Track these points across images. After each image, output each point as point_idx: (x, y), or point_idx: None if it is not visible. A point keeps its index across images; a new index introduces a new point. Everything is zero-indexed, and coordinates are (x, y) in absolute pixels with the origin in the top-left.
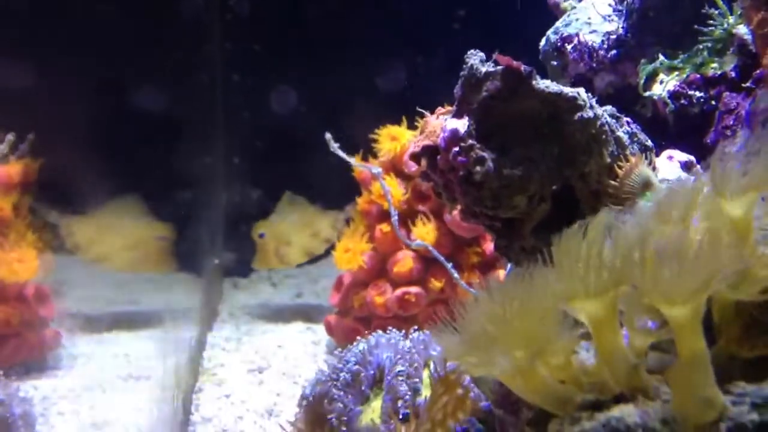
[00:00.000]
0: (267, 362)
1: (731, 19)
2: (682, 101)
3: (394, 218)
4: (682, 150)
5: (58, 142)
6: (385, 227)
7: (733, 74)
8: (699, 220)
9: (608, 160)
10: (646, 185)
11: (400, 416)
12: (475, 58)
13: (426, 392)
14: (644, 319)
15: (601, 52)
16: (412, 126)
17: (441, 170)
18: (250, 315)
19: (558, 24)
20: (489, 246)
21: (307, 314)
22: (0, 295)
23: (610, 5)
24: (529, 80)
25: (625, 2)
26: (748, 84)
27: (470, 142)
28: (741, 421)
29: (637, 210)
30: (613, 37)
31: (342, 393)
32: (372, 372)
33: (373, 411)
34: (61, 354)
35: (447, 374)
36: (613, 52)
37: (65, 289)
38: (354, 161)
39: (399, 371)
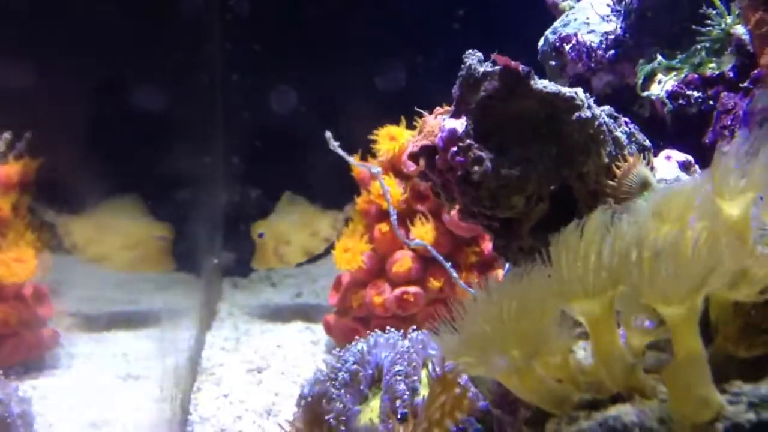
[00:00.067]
0: (266, 362)
1: (729, 19)
2: (680, 101)
3: (393, 218)
4: (680, 150)
5: (57, 142)
6: (383, 227)
7: (730, 74)
8: (696, 220)
9: (606, 160)
10: (644, 185)
11: (399, 416)
12: (473, 58)
13: (424, 392)
14: (641, 318)
15: (600, 52)
16: (411, 126)
17: (439, 170)
18: (249, 315)
19: (556, 24)
20: (488, 246)
21: (307, 314)
22: None
23: (608, 5)
24: (527, 80)
25: (624, 2)
26: (745, 84)
27: (468, 142)
28: (738, 420)
29: (634, 209)
30: (612, 37)
31: (340, 392)
32: (370, 372)
33: (371, 410)
34: (59, 353)
35: (445, 374)
36: (612, 52)
37: (63, 288)
38: (353, 160)
39: (397, 371)
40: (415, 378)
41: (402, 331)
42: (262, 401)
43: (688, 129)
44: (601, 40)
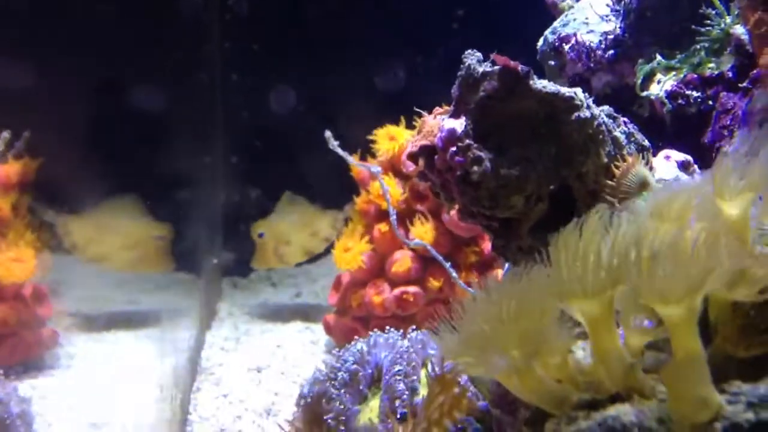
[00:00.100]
0: (265, 362)
1: (728, 19)
2: (680, 101)
3: (393, 218)
4: (680, 150)
5: (57, 142)
6: (383, 227)
7: (730, 74)
8: (695, 220)
9: (605, 160)
10: (643, 185)
11: (398, 416)
12: (472, 58)
13: (424, 391)
14: (640, 318)
15: (599, 52)
16: (410, 126)
17: (438, 170)
18: (249, 314)
19: (556, 24)
20: (487, 245)
21: (306, 314)
22: None
23: (607, 5)
24: (526, 80)
25: (623, 2)
26: (745, 84)
27: (467, 141)
28: (736, 420)
29: (633, 209)
30: (611, 37)
31: (340, 392)
32: (370, 371)
33: (371, 410)
34: (59, 353)
35: (443, 373)
36: (611, 52)
37: (63, 288)
38: (353, 160)
39: (397, 371)
40: (415, 378)
41: (401, 330)
42: (262, 401)
43: (687, 129)
44: (600, 40)
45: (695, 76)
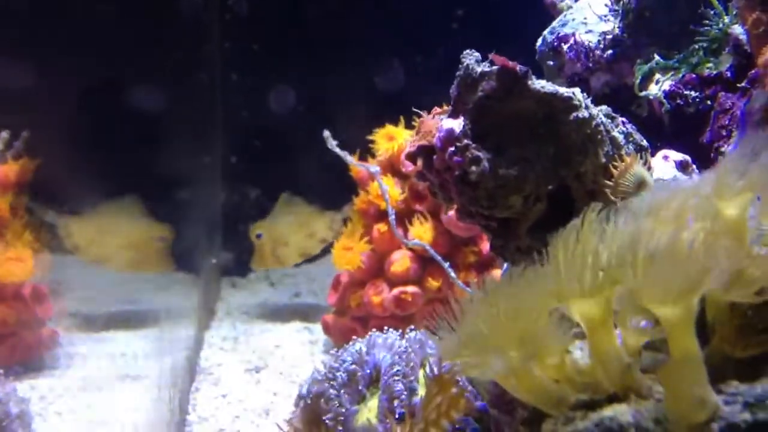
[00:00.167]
0: (264, 362)
1: (726, 19)
2: (678, 101)
3: (392, 218)
4: (678, 150)
5: (56, 142)
6: (382, 227)
7: (728, 74)
8: (693, 220)
9: (603, 160)
10: (641, 185)
11: (396, 416)
12: (470, 58)
13: (422, 392)
14: (638, 318)
15: (598, 52)
16: (409, 126)
17: (437, 170)
18: (247, 314)
19: (554, 24)
20: (486, 246)
21: (305, 314)
22: None
23: (606, 5)
24: (525, 80)
25: (621, 2)
26: (743, 84)
27: (466, 141)
28: (733, 420)
29: (631, 209)
30: (609, 36)
31: (338, 393)
32: (368, 372)
33: (369, 410)
34: (58, 353)
35: (441, 374)
36: (610, 51)
37: (62, 288)
38: (352, 160)
39: (395, 371)
40: (413, 378)
41: (400, 330)
42: (261, 401)
43: (685, 129)
44: (599, 40)
45: (694, 76)
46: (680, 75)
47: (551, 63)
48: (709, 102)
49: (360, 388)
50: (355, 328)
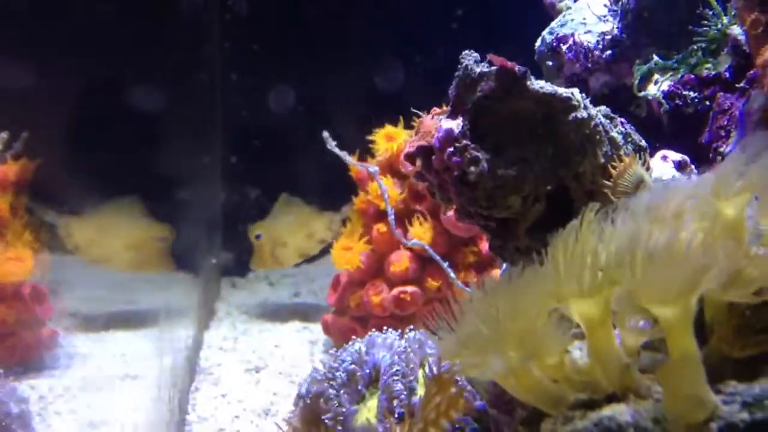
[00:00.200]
0: (264, 362)
1: (725, 20)
2: (677, 101)
3: (391, 217)
4: (677, 150)
5: (56, 142)
6: (381, 227)
7: (727, 75)
8: (691, 220)
9: (602, 160)
10: (640, 185)
11: (396, 415)
12: (469, 58)
13: (421, 391)
14: (637, 318)
15: (597, 53)
16: (409, 126)
17: (436, 170)
18: (247, 314)
19: (553, 24)
20: (485, 246)
21: (305, 314)
22: None
23: (605, 5)
24: (524, 81)
25: (620, 3)
26: (742, 84)
27: (465, 142)
28: (732, 420)
29: (630, 209)
30: (608, 37)
31: (338, 393)
32: (368, 371)
33: (369, 410)
34: (58, 353)
35: (441, 373)
36: (608, 52)
37: (62, 288)
38: (351, 160)
39: (395, 371)
40: (412, 378)
41: (399, 330)
42: (260, 401)
43: (684, 129)
44: (598, 41)
45: (692, 76)
46: (679, 75)
47: (550, 63)
48: (707, 102)
49: (359, 387)
50: (355, 328)
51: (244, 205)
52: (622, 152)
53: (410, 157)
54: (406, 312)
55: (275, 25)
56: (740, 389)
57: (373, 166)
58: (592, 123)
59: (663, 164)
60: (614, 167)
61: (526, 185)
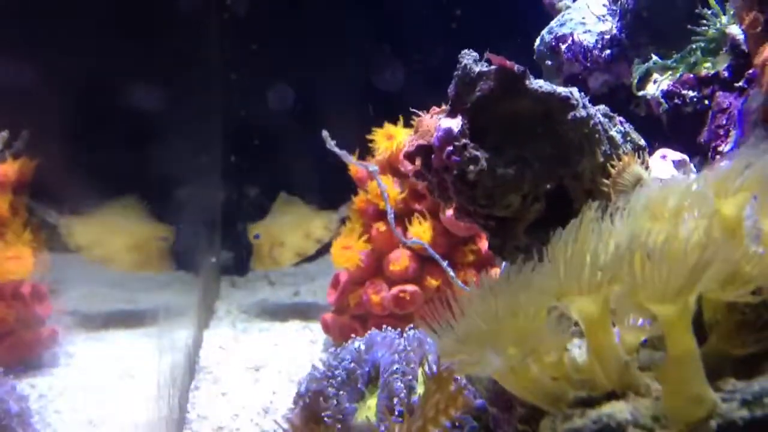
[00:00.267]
0: (263, 360)
1: (724, 19)
2: (676, 101)
3: (390, 216)
4: (676, 149)
5: (55, 142)
6: (381, 226)
7: (726, 74)
8: (690, 218)
9: (601, 159)
10: (639, 184)
11: (396, 413)
12: (468, 57)
13: (421, 390)
14: (636, 316)
15: (596, 52)
16: (408, 125)
17: (435, 169)
18: (247, 313)
19: (552, 24)
20: (485, 245)
21: (304, 313)
22: None
23: (604, 5)
24: (523, 80)
25: (619, 2)
26: (740, 83)
27: (464, 141)
28: (731, 417)
29: (629, 207)
30: (607, 37)
31: (337, 391)
32: (367, 370)
33: (368, 408)
34: (57, 352)
35: (440, 371)
36: (608, 51)
37: (62, 287)
38: (351, 159)
39: (395, 369)
40: (412, 377)
41: (399, 329)
42: (260, 399)
43: (683, 128)
44: (597, 40)
45: (691, 75)
46: (678, 75)
47: (549, 63)
48: (706, 102)
49: (359, 386)
50: (355, 327)
51: (244, 204)
52: (621, 151)
53: (410, 156)
54: (405, 311)
55: (274, 25)
56: (739, 387)
57: (372, 165)
58: (591, 122)
59: (662, 163)
60: (613, 166)
61: (525, 184)
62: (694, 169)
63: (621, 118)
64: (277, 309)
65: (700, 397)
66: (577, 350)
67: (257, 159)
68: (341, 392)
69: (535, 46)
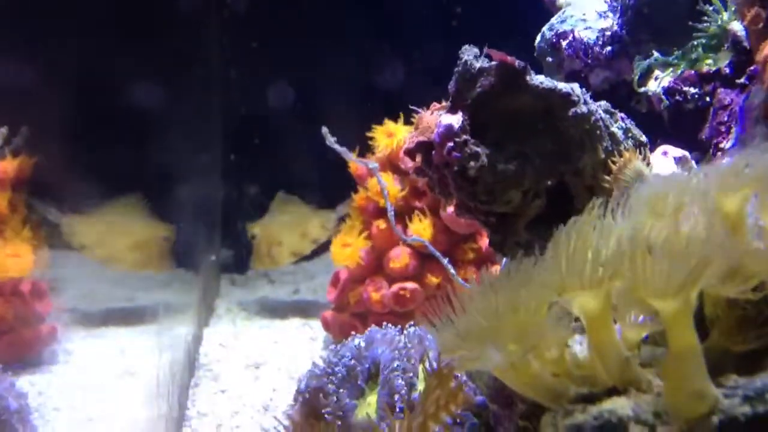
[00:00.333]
0: (263, 358)
1: (725, 16)
2: (677, 97)
3: (391, 214)
4: (677, 146)
5: (55, 140)
6: (381, 223)
7: (727, 70)
8: (692, 214)
9: (602, 155)
10: (640, 180)
11: (397, 410)
12: (469, 53)
13: (421, 387)
14: (637, 312)
15: (597, 49)
16: (408, 122)
17: (435, 166)
18: (247, 311)
19: (553, 20)
20: (485, 242)
21: (304, 310)
22: None
23: (605, 2)
24: (523, 76)
25: None
26: (742, 80)
27: (464, 137)
28: (733, 413)
29: (630, 203)
30: (608, 33)
31: (337, 387)
32: (367, 367)
33: (368, 405)
34: (57, 349)
35: (440, 368)
36: (609, 48)
37: (61, 284)
38: (351, 156)
39: (395, 366)
40: (412, 373)
41: (399, 326)
42: (260, 397)
43: (684, 125)
44: (597, 37)
45: (692, 72)
46: (679, 71)
47: (550, 60)
48: (708, 98)
49: (359, 383)
50: (355, 325)
51: (244, 203)
52: (622, 147)
53: (410, 153)
54: (405, 308)
55: (274, 23)
56: (741, 383)
57: (372, 163)
58: (592, 118)
59: (663, 160)
60: (614, 162)
61: (526, 180)
62: (696, 166)
63: (622, 115)
64: (277, 307)
65: (701, 392)
66: (578, 346)
67: (257, 157)
68: (341, 389)
69: (535, 43)
